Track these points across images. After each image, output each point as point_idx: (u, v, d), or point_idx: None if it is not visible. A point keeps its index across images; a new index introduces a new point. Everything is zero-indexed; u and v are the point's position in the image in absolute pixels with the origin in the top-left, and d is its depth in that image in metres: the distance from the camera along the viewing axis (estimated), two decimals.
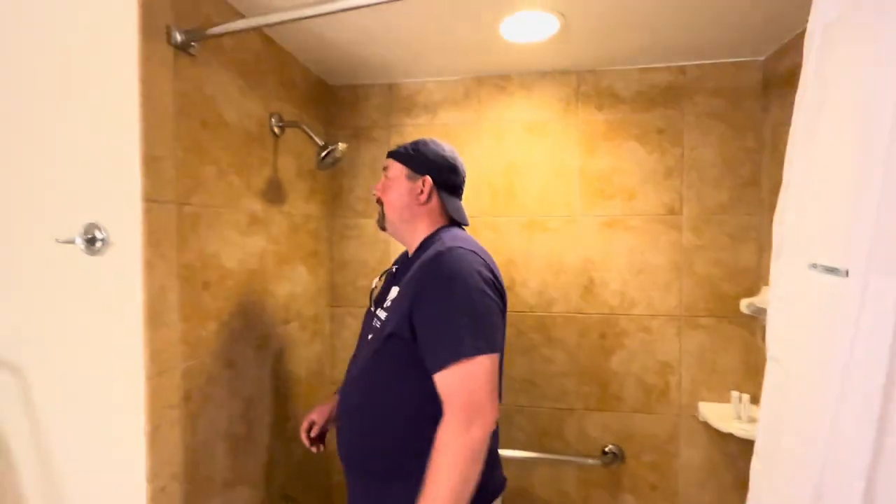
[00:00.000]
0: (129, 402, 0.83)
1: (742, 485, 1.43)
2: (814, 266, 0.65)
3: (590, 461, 1.53)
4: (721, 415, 1.39)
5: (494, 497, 0.94)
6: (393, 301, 0.93)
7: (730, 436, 1.38)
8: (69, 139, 0.85)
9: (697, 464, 1.50)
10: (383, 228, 1.06)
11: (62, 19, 0.85)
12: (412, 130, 1.63)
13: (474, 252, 0.89)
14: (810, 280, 0.65)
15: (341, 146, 1.25)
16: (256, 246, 1.22)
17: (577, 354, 1.56)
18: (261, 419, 1.24)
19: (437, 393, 0.84)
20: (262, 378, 1.25)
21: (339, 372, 1.71)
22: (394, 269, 1.05)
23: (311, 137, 1.26)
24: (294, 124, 1.30)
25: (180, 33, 0.88)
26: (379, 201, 1.04)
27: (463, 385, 0.80)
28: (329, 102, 1.68)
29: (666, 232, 1.51)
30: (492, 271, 0.90)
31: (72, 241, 0.81)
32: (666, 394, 1.51)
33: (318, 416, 1.13)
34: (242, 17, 1.06)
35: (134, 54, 0.81)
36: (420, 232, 1.00)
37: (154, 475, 0.85)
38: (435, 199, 1.00)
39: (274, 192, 1.30)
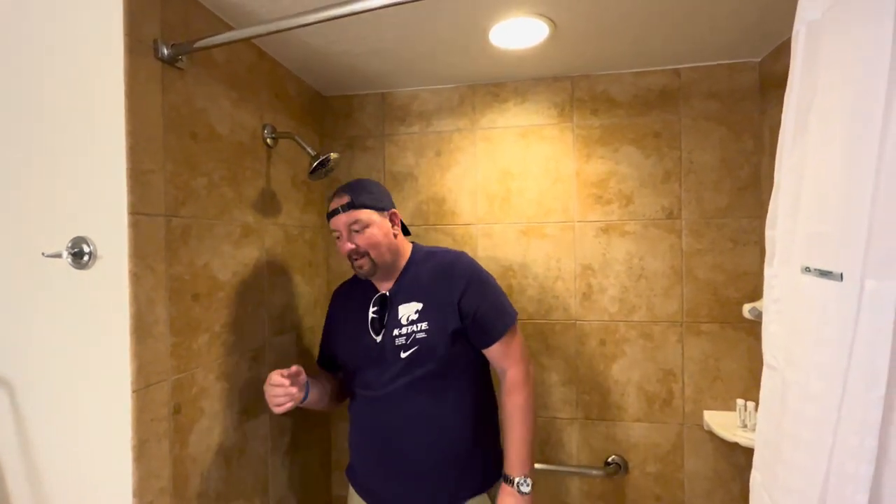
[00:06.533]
0: (115, 414, 0.82)
1: (749, 495, 1.38)
2: (807, 270, 0.63)
3: (593, 472, 1.49)
4: (726, 423, 1.36)
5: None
6: (420, 312, 1.06)
7: (736, 445, 1.34)
8: (56, 154, 0.86)
9: (703, 474, 1.46)
10: (371, 276, 1.10)
11: (48, 35, 0.86)
12: (406, 139, 1.63)
13: None
14: (804, 284, 0.63)
15: (333, 156, 1.25)
16: (250, 257, 1.21)
17: (576, 363, 1.53)
18: (256, 432, 1.23)
19: (488, 383, 1.16)
20: (257, 390, 1.24)
21: None
22: (387, 294, 1.12)
23: (303, 148, 1.26)
24: (287, 135, 1.30)
25: (167, 47, 0.88)
26: (359, 254, 1.06)
27: (517, 341, 1.10)
28: (324, 113, 1.68)
29: (665, 236, 1.48)
30: None
31: (59, 255, 0.81)
32: (669, 402, 1.48)
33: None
34: (232, 29, 1.07)
35: (120, 69, 0.81)
36: (403, 256, 1.13)
37: (141, 489, 0.84)
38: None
39: (268, 203, 1.30)
